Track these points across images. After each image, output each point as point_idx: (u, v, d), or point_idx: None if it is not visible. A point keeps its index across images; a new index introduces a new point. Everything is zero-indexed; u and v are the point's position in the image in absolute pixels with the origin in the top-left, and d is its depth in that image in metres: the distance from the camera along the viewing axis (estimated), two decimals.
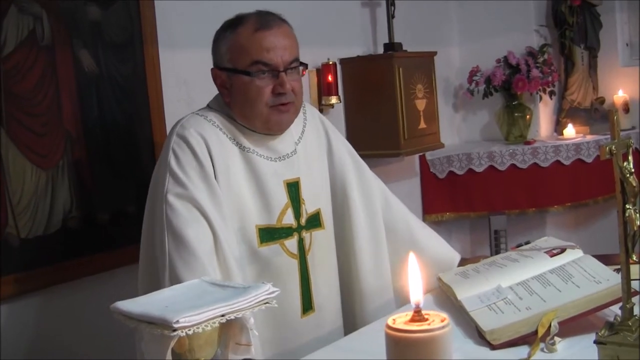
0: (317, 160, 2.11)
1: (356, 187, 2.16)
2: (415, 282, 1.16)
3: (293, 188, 1.99)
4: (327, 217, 2.09)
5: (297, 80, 1.96)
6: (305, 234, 2.00)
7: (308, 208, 2.02)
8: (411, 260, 1.19)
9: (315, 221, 2.04)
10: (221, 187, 1.85)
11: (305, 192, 2.02)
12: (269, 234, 1.93)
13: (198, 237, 1.75)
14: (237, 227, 1.88)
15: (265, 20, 1.91)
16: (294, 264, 1.97)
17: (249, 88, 1.90)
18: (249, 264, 1.89)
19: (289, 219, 1.97)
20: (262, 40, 1.89)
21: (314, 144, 2.12)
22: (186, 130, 1.87)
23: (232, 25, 1.94)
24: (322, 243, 2.05)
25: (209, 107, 2.01)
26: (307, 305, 1.99)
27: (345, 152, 2.19)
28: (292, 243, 1.97)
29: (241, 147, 1.93)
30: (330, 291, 2.07)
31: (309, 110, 2.16)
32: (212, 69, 1.98)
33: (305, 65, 2.01)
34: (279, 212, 1.95)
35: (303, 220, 2.00)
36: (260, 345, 1.83)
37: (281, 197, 1.96)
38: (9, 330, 2.14)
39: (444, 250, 2.29)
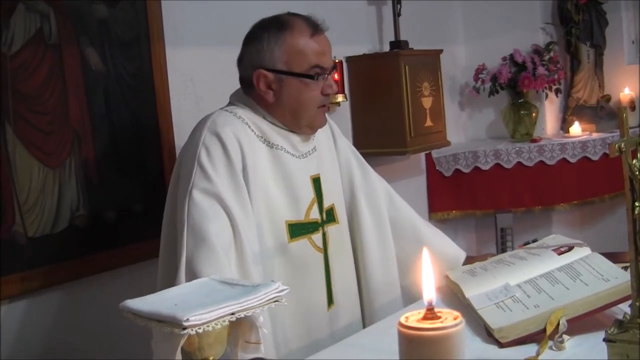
0: (329, 158, 2.15)
1: (361, 187, 2.20)
2: (428, 280, 1.16)
3: (317, 183, 2.04)
4: (341, 212, 2.12)
5: None
6: (326, 228, 2.04)
7: (324, 203, 2.06)
8: (424, 257, 1.19)
9: (330, 216, 2.08)
10: (251, 185, 1.86)
11: (323, 187, 2.06)
12: (298, 229, 1.96)
13: (217, 232, 1.77)
14: (267, 224, 1.90)
15: (314, 23, 1.96)
16: (320, 257, 2.01)
17: (305, 90, 1.94)
18: (278, 259, 1.92)
19: (315, 214, 2.01)
20: (317, 45, 1.95)
21: (325, 143, 2.16)
22: (219, 127, 1.88)
23: (282, 27, 1.94)
24: (336, 237, 2.08)
25: (233, 103, 2.02)
26: (329, 298, 2.03)
27: (350, 152, 2.24)
28: (318, 237, 2.01)
29: (269, 144, 1.96)
30: (346, 284, 2.10)
31: None
32: (257, 70, 1.95)
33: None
34: (306, 207, 1.99)
35: (324, 215, 2.04)
36: (283, 340, 1.88)
37: (308, 193, 2.00)
38: (15, 328, 2.15)
39: (450, 248, 2.31)
